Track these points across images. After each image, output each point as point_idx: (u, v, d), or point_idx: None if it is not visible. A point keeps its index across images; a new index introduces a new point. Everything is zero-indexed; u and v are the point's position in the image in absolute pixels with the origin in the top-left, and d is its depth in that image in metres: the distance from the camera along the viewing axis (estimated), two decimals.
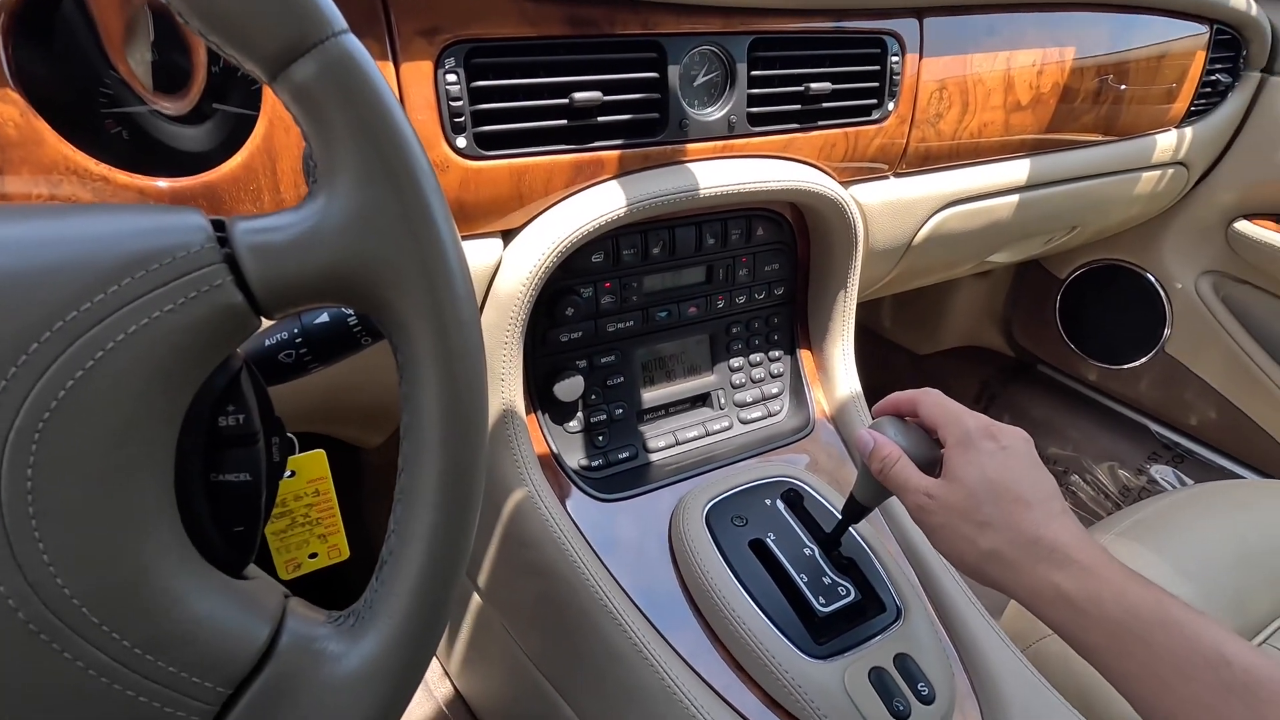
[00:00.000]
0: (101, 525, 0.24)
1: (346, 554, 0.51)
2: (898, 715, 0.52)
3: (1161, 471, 1.29)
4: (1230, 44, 1.02)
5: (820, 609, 0.57)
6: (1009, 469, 0.44)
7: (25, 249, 0.24)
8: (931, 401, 0.50)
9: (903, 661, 0.56)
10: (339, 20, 0.26)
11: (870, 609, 0.59)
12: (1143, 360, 1.29)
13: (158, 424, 0.26)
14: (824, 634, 0.57)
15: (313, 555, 0.49)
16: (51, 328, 0.23)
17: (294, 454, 0.46)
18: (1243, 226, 1.12)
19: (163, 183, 0.43)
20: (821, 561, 0.61)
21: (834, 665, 0.54)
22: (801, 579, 0.59)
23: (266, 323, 0.32)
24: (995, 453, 0.45)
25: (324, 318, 0.38)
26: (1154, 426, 1.34)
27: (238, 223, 0.27)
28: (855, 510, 0.56)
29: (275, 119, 0.45)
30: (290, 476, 0.46)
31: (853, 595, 0.59)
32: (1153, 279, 1.24)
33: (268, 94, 0.46)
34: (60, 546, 0.24)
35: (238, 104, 0.48)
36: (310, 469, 0.46)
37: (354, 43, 0.26)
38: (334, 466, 0.57)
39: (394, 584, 0.30)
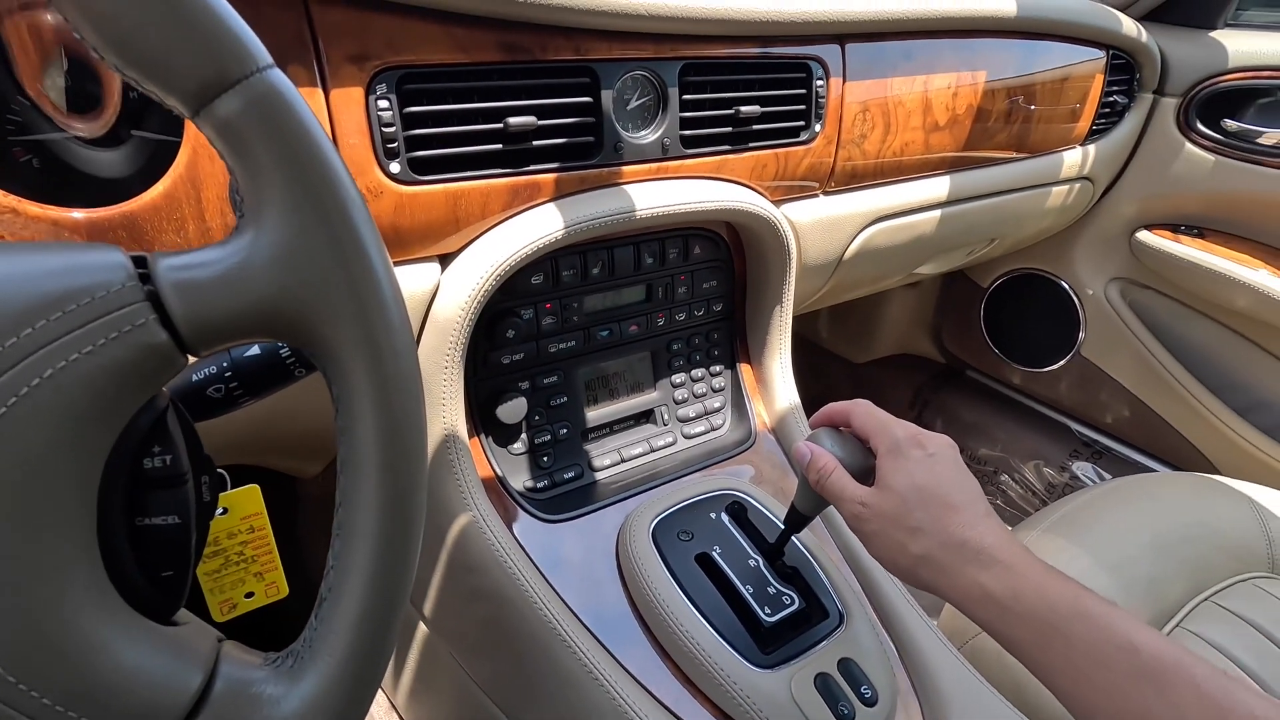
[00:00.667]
0: (15, 575, 0.23)
1: (285, 592, 0.49)
2: (842, 719, 0.54)
3: (1082, 468, 1.37)
4: (1125, 68, 1.10)
5: (766, 619, 0.58)
6: (936, 475, 0.46)
7: None
8: (863, 412, 0.52)
9: (846, 666, 0.57)
10: (264, 55, 0.26)
11: (814, 616, 0.61)
12: (1061, 363, 1.37)
13: (77, 470, 0.25)
14: (770, 643, 0.58)
15: (249, 595, 0.48)
16: None
17: (226, 490, 0.45)
18: (1144, 236, 1.20)
19: (78, 214, 0.42)
20: (766, 572, 0.62)
21: (781, 674, 0.56)
22: (747, 590, 0.60)
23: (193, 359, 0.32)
24: (923, 460, 0.47)
25: (255, 350, 0.38)
26: (1074, 425, 1.41)
27: (160, 259, 0.27)
28: (797, 520, 0.58)
29: (199, 145, 0.44)
30: (223, 514, 0.44)
31: (797, 604, 0.60)
32: (1067, 286, 1.32)
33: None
34: None
35: (158, 129, 0.46)
36: (244, 505, 0.45)
37: (279, 77, 0.26)
38: (271, 499, 0.55)
39: (334, 621, 0.29)
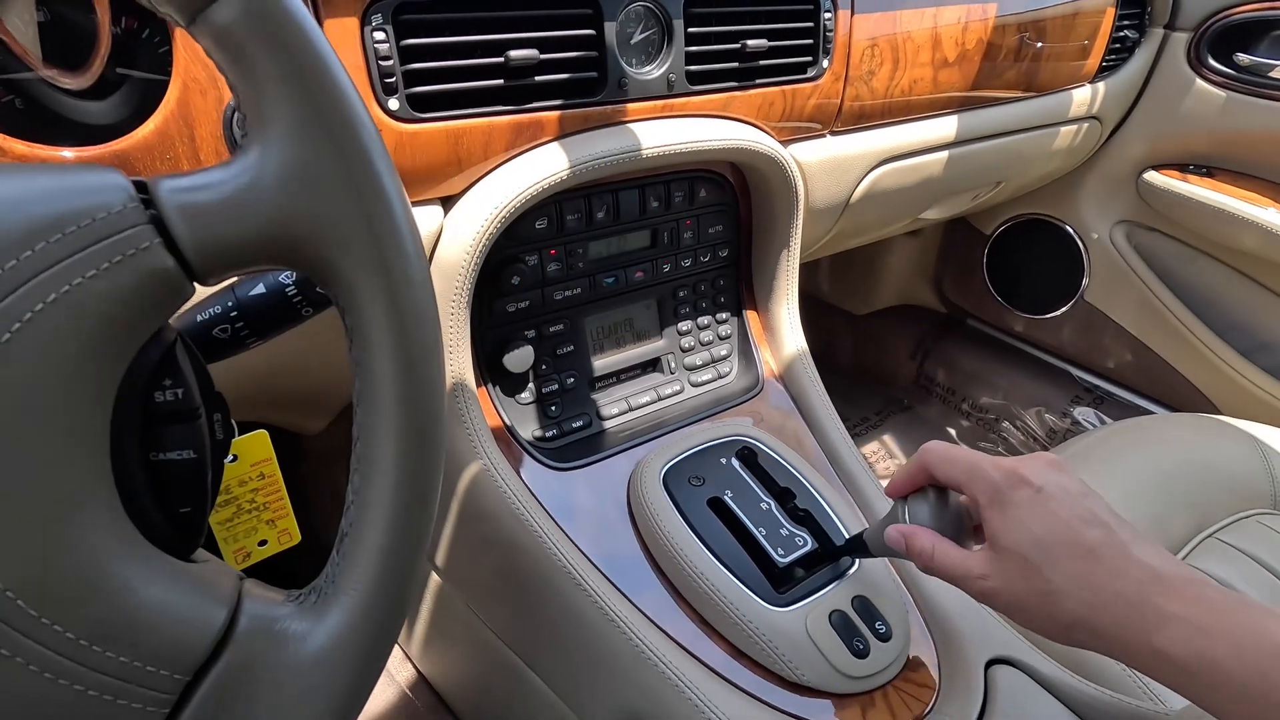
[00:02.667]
0: (31, 511, 0.23)
1: (297, 538, 0.49)
2: (858, 653, 0.54)
3: (1084, 413, 1.37)
4: (1136, 1, 1.06)
5: (780, 560, 0.59)
6: (1056, 518, 0.38)
7: None
8: (940, 458, 0.44)
9: (861, 603, 0.58)
10: None
11: (827, 556, 0.61)
12: (1064, 309, 1.36)
13: (88, 401, 0.24)
14: (784, 583, 0.58)
15: (262, 543, 0.47)
16: None
17: (234, 436, 0.44)
18: (1151, 177, 1.18)
19: (68, 152, 0.40)
20: (778, 514, 0.62)
21: (796, 612, 0.56)
22: (760, 532, 0.60)
23: (200, 292, 0.31)
24: (1034, 502, 0.39)
25: (260, 289, 0.36)
26: (1076, 371, 1.41)
27: (162, 182, 0.25)
28: (860, 549, 0.54)
29: (189, 81, 0.42)
30: (232, 461, 0.44)
31: (810, 545, 0.60)
32: (1071, 230, 1.30)
33: (179, 55, 0.43)
34: None
35: (146, 68, 0.44)
36: (253, 451, 0.44)
37: None
38: (276, 453, 0.55)
39: (357, 555, 0.29)
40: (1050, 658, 0.59)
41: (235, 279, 0.37)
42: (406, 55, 0.49)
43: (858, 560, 0.61)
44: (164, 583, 0.26)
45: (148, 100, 0.43)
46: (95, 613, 0.24)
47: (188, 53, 0.42)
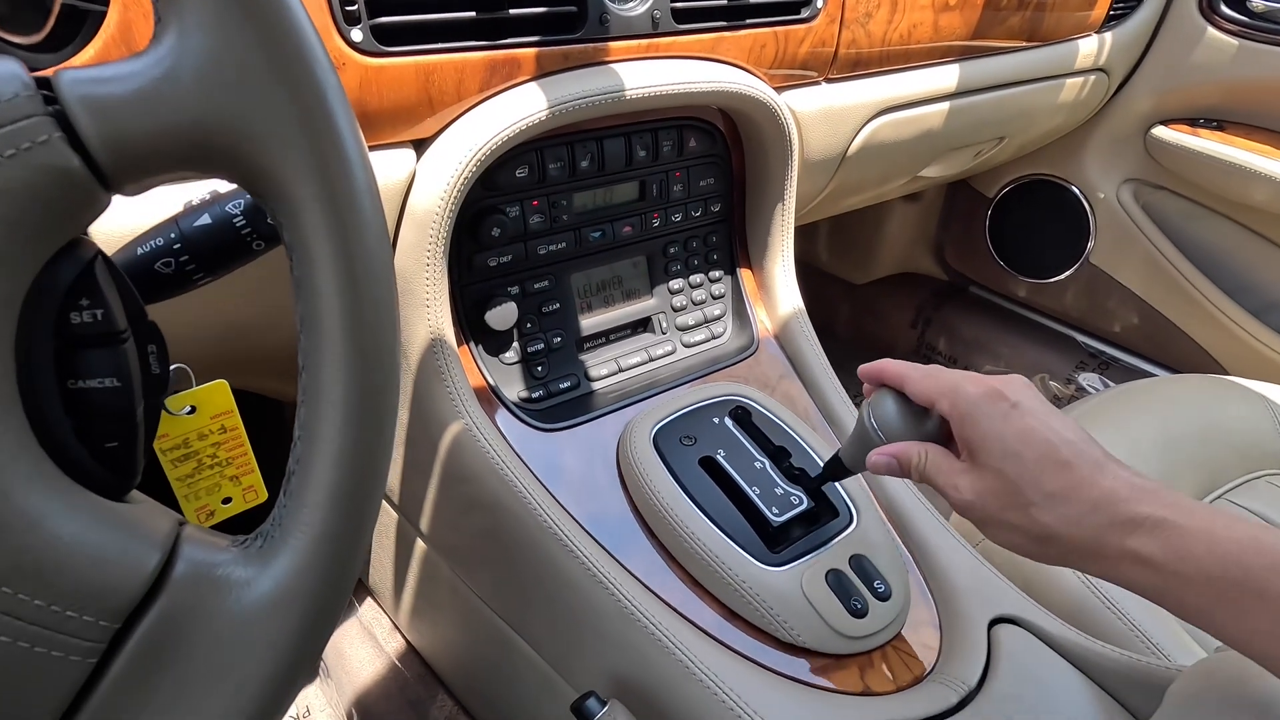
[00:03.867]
0: None
1: (264, 496, 0.47)
2: (856, 613, 0.52)
3: (1089, 379, 1.35)
4: None
5: (774, 518, 0.56)
6: (1032, 432, 0.38)
7: None
8: (919, 376, 0.44)
9: (858, 562, 0.55)
10: None
11: (824, 515, 0.59)
12: (1068, 273, 1.33)
13: None
14: (779, 543, 0.56)
15: (226, 500, 0.45)
16: None
17: (191, 388, 0.42)
18: (1160, 132, 1.14)
19: None
20: (773, 473, 0.60)
21: (791, 570, 0.54)
22: (754, 491, 0.58)
23: (140, 223, 0.28)
24: (1009, 415, 0.39)
25: (205, 219, 0.34)
26: (1080, 337, 1.39)
27: (65, 73, 0.22)
28: (838, 471, 0.53)
29: (130, 2, 0.39)
30: (190, 413, 0.41)
31: (805, 503, 0.58)
32: (1076, 191, 1.27)
33: None
34: None
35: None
36: (213, 402, 0.42)
37: None
38: (258, 422, 0.52)
39: (304, 494, 0.26)
40: (1055, 616, 0.57)
41: (180, 211, 0.35)
42: None
43: (855, 518, 0.59)
44: (84, 520, 0.23)
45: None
46: (5, 550, 0.22)
47: None
